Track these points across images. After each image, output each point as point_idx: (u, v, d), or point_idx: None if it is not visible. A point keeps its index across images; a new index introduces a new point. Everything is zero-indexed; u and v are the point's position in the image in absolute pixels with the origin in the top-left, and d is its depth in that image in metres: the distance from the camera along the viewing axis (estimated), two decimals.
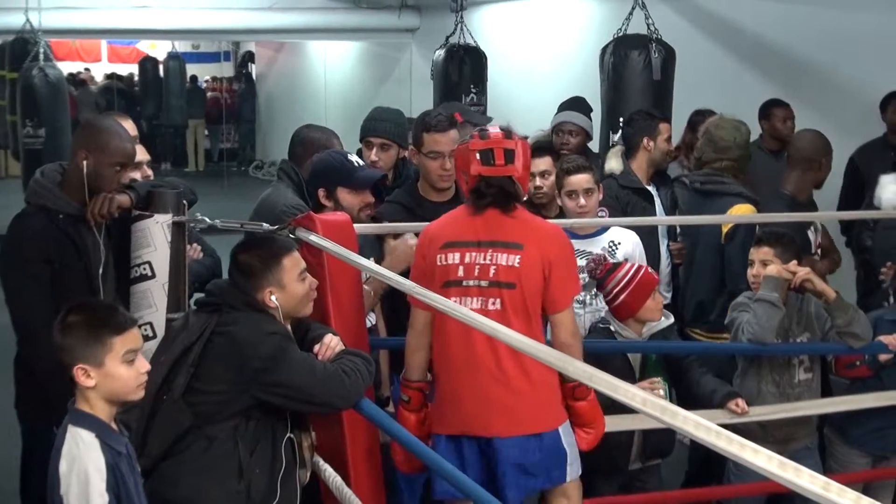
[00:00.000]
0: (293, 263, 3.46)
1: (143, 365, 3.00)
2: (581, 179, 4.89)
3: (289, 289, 3.44)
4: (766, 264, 4.58)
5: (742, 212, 5.22)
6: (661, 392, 4.38)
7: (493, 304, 3.69)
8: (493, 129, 3.80)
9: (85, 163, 3.88)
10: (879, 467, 4.92)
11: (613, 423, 4.02)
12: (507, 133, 3.77)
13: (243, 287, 3.44)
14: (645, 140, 5.73)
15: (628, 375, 4.34)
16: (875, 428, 4.79)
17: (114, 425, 2.99)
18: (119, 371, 2.92)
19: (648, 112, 5.97)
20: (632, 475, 4.60)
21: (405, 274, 3.97)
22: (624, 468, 4.53)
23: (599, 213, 5.05)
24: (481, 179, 3.73)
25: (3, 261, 4.03)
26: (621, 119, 6.57)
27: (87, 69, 23.57)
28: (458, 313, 3.03)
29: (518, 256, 3.69)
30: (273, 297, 3.42)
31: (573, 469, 3.79)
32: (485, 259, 3.71)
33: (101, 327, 2.92)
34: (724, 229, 5.22)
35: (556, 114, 6.75)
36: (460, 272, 3.73)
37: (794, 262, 4.58)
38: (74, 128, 8.59)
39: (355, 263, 3.59)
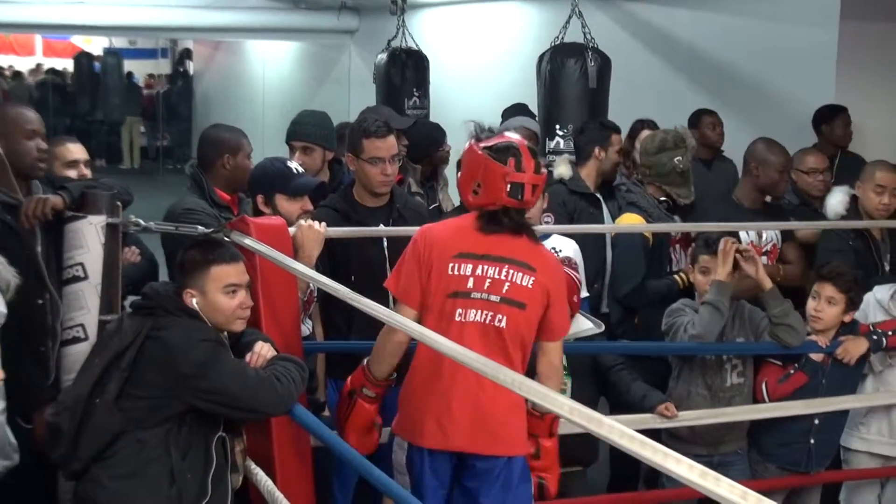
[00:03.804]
0: (221, 274, 3.43)
1: None
2: None
3: (209, 297, 3.42)
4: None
5: (628, 221, 5.31)
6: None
7: (500, 321, 3.60)
8: (527, 160, 3.60)
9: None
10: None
11: None
12: (537, 165, 3.65)
13: (175, 287, 3.45)
14: (597, 150, 5.74)
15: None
16: (782, 442, 4.77)
17: None
18: None
19: (603, 122, 6.01)
20: None
21: (326, 262, 4.03)
22: None
23: (545, 220, 4.96)
24: (503, 208, 3.63)
25: None
26: (557, 126, 6.65)
27: (9, 66, 23.24)
28: (433, 342, 2.86)
29: (532, 279, 3.62)
30: (194, 301, 3.42)
31: None
32: (498, 274, 3.61)
33: None
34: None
35: (506, 119, 6.78)
36: (470, 284, 3.61)
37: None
38: None
39: (288, 267, 3.59)
